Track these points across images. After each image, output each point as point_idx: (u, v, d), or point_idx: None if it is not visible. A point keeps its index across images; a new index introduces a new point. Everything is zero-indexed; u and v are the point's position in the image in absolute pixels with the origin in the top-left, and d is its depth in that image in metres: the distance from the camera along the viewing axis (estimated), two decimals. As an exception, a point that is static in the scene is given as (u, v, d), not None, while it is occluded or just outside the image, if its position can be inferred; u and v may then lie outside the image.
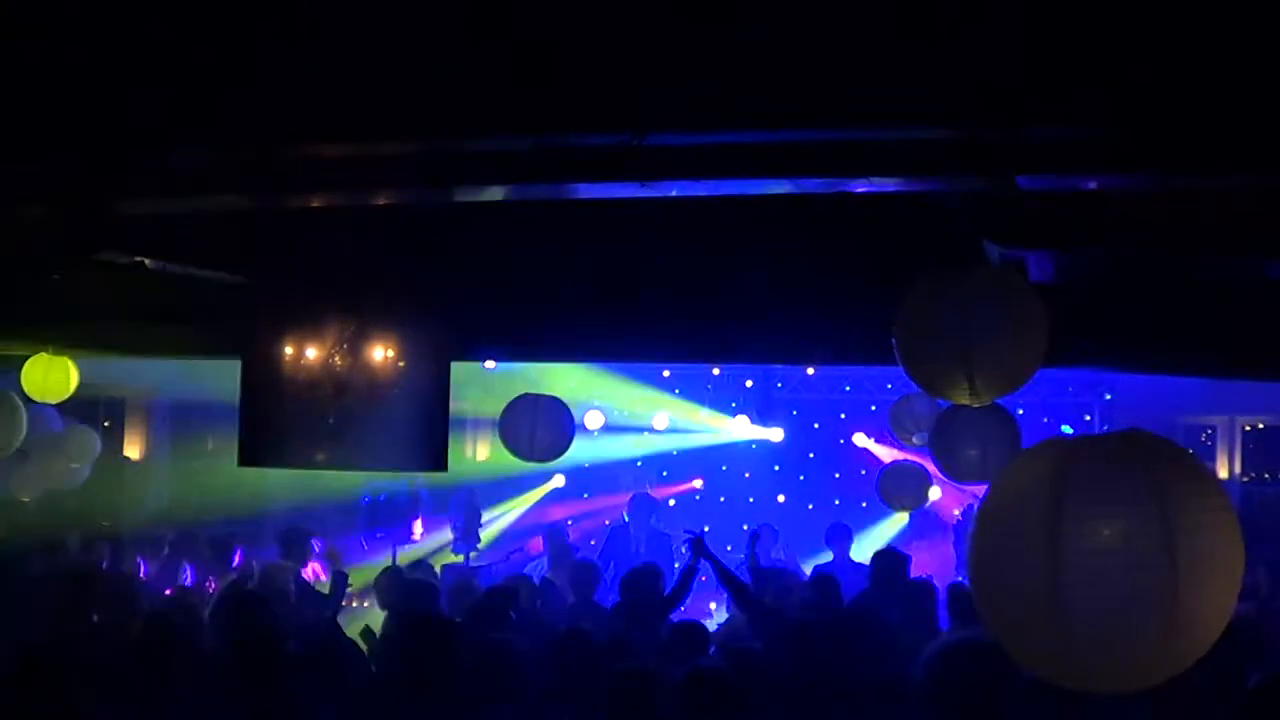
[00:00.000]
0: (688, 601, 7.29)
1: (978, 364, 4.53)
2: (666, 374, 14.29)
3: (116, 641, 5.61)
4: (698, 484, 14.63)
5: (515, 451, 7.93)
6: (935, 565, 10.50)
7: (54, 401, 8.81)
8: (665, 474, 14.80)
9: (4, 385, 9.01)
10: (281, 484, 10.88)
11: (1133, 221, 4.40)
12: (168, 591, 8.55)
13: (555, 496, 14.07)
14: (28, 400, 8.79)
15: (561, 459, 8.43)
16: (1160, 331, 6.17)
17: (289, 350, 5.90)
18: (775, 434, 14.34)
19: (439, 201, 4.74)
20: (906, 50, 3.22)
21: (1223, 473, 12.61)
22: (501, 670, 4.82)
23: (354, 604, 8.14)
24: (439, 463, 6.34)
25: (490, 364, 9.31)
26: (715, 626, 7.76)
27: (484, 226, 5.25)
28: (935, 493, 10.60)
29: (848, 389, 14.25)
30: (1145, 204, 4.26)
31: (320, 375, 5.84)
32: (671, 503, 13.48)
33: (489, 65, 3.48)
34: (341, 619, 7.01)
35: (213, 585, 8.59)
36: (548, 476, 13.63)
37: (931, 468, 7.52)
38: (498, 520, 13.09)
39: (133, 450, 12.39)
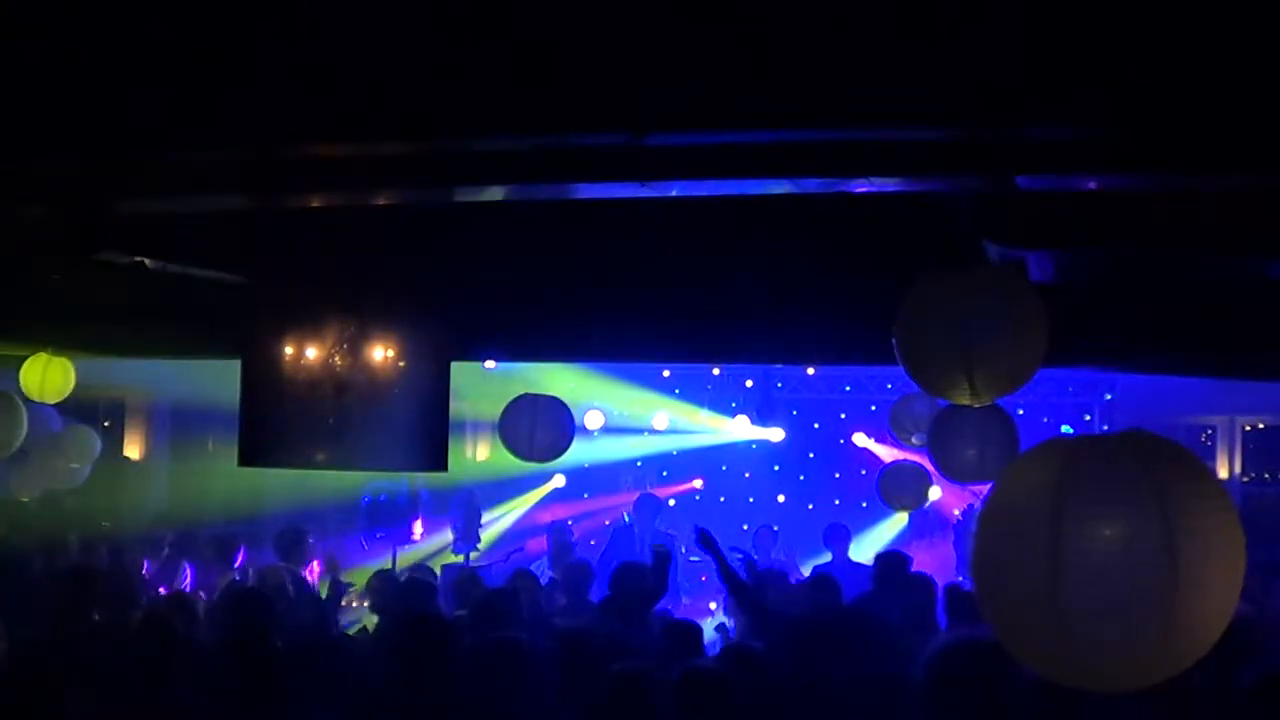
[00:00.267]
0: (683, 599, 7.28)
1: (978, 364, 4.53)
2: (666, 374, 14.30)
3: (116, 641, 5.60)
4: (698, 484, 14.64)
5: (515, 452, 7.93)
6: (935, 565, 10.50)
7: (52, 402, 8.82)
8: (665, 474, 14.81)
9: (3, 385, 9.02)
10: (281, 484, 10.88)
11: (1133, 221, 4.40)
12: (167, 591, 8.54)
13: (555, 497, 14.07)
14: (27, 400, 8.79)
15: (562, 459, 8.44)
16: (1160, 331, 6.17)
17: (289, 350, 5.90)
18: (775, 434, 14.35)
19: (439, 201, 4.74)
20: (906, 50, 3.22)
21: (1223, 473, 12.61)
22: (511, 669, 4.82)
23: (354, 603, 8.14)
24: (439, 463, 6.35)
25: (490, 364, 9.31)
26: (716, 627, 7.77)
27: (484, 226, 5.24)
28: (935, 492, 10.61)
29: (848, 389, 14.26)
30: (1145, 204, 4.26)
31: (320, 375, 5.84)
32: (671, 503, 13.48)
33: (489, 65, 3.48)
34: (342, 620, 7.01)
35: (212, 586, 8.58)
36: (548, 477, 13.63)
37: (931, 467, 7.52)
38: (498, 521, 13.09)
39: (133, 450, 12.39)
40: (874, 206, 4.39)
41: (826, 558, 9.86)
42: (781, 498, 14.38)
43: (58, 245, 5.25)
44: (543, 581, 8.27)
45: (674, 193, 4.16)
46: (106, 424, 11.99)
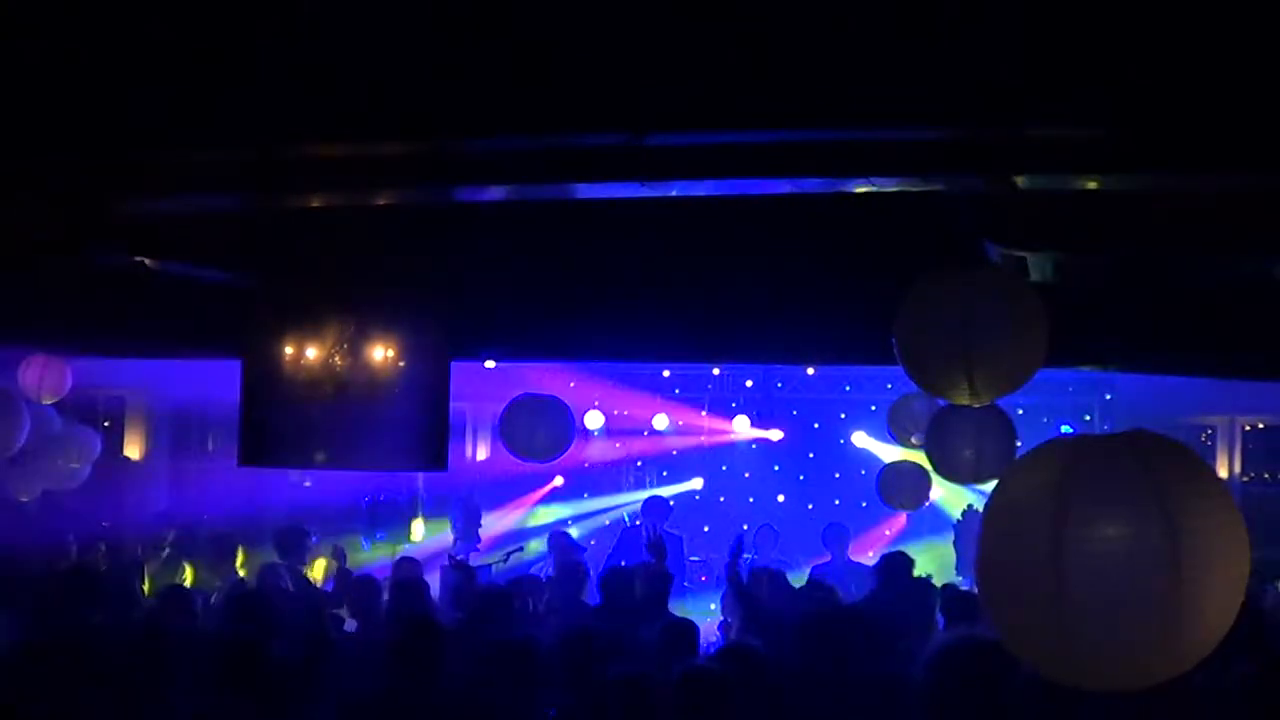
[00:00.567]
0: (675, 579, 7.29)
1: (978, 364, 4.53)
2: (666, 374, 14.30)
3: (116, 641, 5.60)
4: (698, 484, 14.63)
5: (515, 451, 7.93)
6: (935, 565, 10.50)
7: (50, 402, 8.82)
8: (665, 474, 14.81)
9: (2, 385, 9.01)
10: (281, 484, 10.88)
11: (1133, 221, 4.39)
12: (166, 591, 8.53)
13: (555, 496, 14.08)
14: (27, 400, 8.79)
15: (562, 459, 8.44)
16: (1160, 331, 6.17)
17: (289, 350, 5.88)
18: (775, 434, 14.34)
19: (439, 201, 4.74)
20: (906, 50, 3.21)
21: (1223, 473, 12.60)
22: (511, 669, 4.82)
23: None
24: (439, 463, 6.34)
25: (490, 364, 9.31)
26: (717, 628, 7.77)
27: (484, 226, 5.24)
28: (935, 492, 10.60)
29: (848, 389, 14.26)
30: (1145, 204, 4.26)
31: (320, 375, 5.83)
32: (671, 503, 13.49)
33: (489, 65, 3.48)
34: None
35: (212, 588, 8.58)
36: (548, 477, 13.63)
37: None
38: (498, 521, 13.10)
39: (133, 450, 12.39)
40: (874, 206, 4.38)
41: (826, 558, 9.86)
42: (781, 498, 14.37)
43: (58, 245, 5.25)
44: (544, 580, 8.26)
45: (674, 193, 4.16)
46: (107, 424, 11.98)
